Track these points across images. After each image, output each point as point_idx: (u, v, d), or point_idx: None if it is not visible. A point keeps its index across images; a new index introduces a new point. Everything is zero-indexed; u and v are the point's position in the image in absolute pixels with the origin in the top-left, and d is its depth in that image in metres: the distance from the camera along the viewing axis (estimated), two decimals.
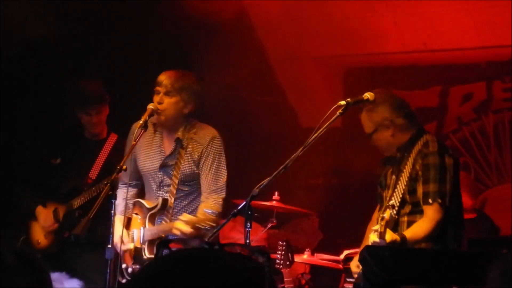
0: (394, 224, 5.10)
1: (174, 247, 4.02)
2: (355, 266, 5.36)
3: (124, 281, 5.46)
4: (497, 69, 8.16)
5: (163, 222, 5.51)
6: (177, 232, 5.21)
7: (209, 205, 5.45)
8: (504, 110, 8.20)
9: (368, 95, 5.01)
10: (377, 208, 5.58)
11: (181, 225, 5.19)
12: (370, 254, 4.44)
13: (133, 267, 5.43)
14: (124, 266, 5.54)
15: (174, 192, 5.54)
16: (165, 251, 3.99)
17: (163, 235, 5.40)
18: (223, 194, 5.55)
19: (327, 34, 8.24)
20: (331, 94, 8.29)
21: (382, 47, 8.26)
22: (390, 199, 5.21)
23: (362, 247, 5.44)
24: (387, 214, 4.84)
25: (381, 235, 4.85)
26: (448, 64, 8.29)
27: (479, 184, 8.14)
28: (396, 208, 5.09)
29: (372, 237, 4.93)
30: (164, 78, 5.47)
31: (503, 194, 8.05)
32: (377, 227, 5.00)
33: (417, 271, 4.50)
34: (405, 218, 5.12)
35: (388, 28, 8.18)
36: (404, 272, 4.48)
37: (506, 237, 7.34)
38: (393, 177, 5.26)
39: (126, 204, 5.50)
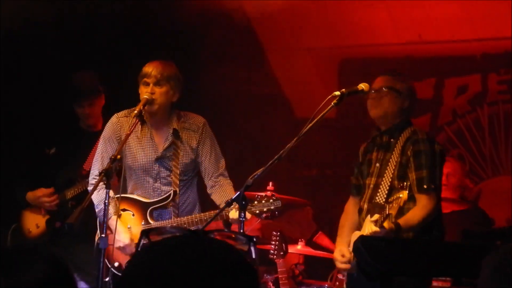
0: (380, 210, 5.10)
1: (154, 237, 4.00)
2: (339, 255, 5.34)
3: (108, 278, 5.36)
4: (492, 61, 8.15)
5: (173, 215, 5.48)
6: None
7: (226, 189, 5.48)
8: (499, 102, 8.19)
9: (363, 85, 4.99)
10: (350, 200, 5.58)
11: (235, 214, 5.05)
12: (364, 245, 4.44)
13: None
14: (117, 264, 5.44)
15: (178, 182, 5.54)
16: (146, 241, 3.99)
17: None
18: (228, 177, 5.61)
19: (322, 26, 8.22)
20: (325, 85, 8.27)
21: (377, 39, 8.25)
22: (377, 186, 5.21)
23: (339, 240, 5.45)
24: (403, 195, 4.80)
25: (381, 224, 4.86)
26: (443, 56, 8.27)
27: (474, 176, 8.14)
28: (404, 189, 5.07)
29: (370, 227, 4.93)
30: (151, 69, 5.46)
31: (498, 187, 8.05)
32: (375, 217, 4.99)
33: (411, 262, 4.50)
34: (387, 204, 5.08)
35: (383, 20, 8.16)
36: (398, 263, 4.48)
37: (500, 229, 7.33)
38: (377, 165, 5.28)
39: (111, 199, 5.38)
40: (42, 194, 6.40)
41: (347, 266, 5.29)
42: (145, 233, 4.05)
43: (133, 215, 5.49)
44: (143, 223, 5.46)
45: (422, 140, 5.18)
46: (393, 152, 5.22)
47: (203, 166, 5.58)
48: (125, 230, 5.37)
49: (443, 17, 7.97)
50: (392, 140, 5.26)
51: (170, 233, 4.24)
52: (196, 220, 5.34)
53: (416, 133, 5.25)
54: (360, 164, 5.49)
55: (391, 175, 5.16)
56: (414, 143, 5.16)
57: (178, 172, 5.54)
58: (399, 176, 5.14)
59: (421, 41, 8.24)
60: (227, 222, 5.25)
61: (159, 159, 5.56)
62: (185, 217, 5.40)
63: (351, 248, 5.28)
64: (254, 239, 3.79)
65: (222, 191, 5.50)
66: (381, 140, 5.34)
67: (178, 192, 5.52)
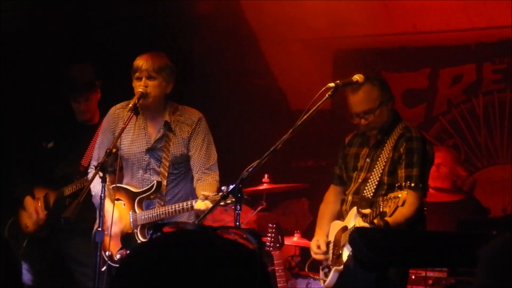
0: (369, 205, 5.10)
1: (167, 230, 4.01)
2: (315, 246, 5.38)
3: (104, 268, 5.38)
4: (487, 50, 8.15)
5: (157, 205, 5.50)
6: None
7: (208, 182, 5.46)
8: (494, 91, 8.19)
9: (357, 77, 4.99)
10: (331, 189, 5.61)
11: (201, 204, 5.12)
12: (360, 236, 4.45)
13: (122, 252, 5.40)
14: (108, 253, 5.47)
15: (166, 175, 5.54)
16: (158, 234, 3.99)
17: (159, 219, 5.38)
18: (217, 172, 5.57)
19: (316, 16, 8.20)
20: (320, 76, 8.26)
21: (371, 29, 8.23)
22: (366, 180, 5.22)
23: (317, 230, 5.49)
24: (402, 195, 4.63)
25: (371, 220, 4.87)
26: (438, 46, 8.27)
27: (469, 166, 8.15)
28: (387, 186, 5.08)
29: (359, 222, 4.94)
30: (141, 63, 5.46)
31: (493, 176, 8.06)
32: (367, 211, 4.99)
33: (407, 252, 4.51)
34: (380, 199, 4.98)
35: (378, 10, 8.16)
36: (394, 253, 4.49)
37: (495, 218, 7.36)
38: (367, 160, 5.29)
39: (107, 188, 5.42)
40: (34, 209, 6.38)
41: (321, 257, 5.37)
42: (156, 228, 4.05)
43: (124, 204, 5.54)
44: (131, 212, 5.50)
45: (416, 138, 5.20)
46: (384, 148, 5.24)
47: (192, 159, 5.57)
48: (115, 222, 5.38)
49: (437, 6, 7.97)
50: (385, 137, 5.28)
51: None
52: (171, 210, 5.35)
53: (409, 130, 5.27)
54: (344, 155, 5.50)
55: (381, 171, 5.19)
56: (408, 140, 5.19)
57: (167, 164, 5.54)
58: (389, 171, 5.17)
59: (416, 31, 8.24)
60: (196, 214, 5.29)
61: (150, 150, 5.58)
62: (166, 207, 5.42)
63: (329, 238, 5.32)
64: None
65: (205, 185, 5.47)
66: (374, 136, 5.33)
67: (164, 183, 5.52)
